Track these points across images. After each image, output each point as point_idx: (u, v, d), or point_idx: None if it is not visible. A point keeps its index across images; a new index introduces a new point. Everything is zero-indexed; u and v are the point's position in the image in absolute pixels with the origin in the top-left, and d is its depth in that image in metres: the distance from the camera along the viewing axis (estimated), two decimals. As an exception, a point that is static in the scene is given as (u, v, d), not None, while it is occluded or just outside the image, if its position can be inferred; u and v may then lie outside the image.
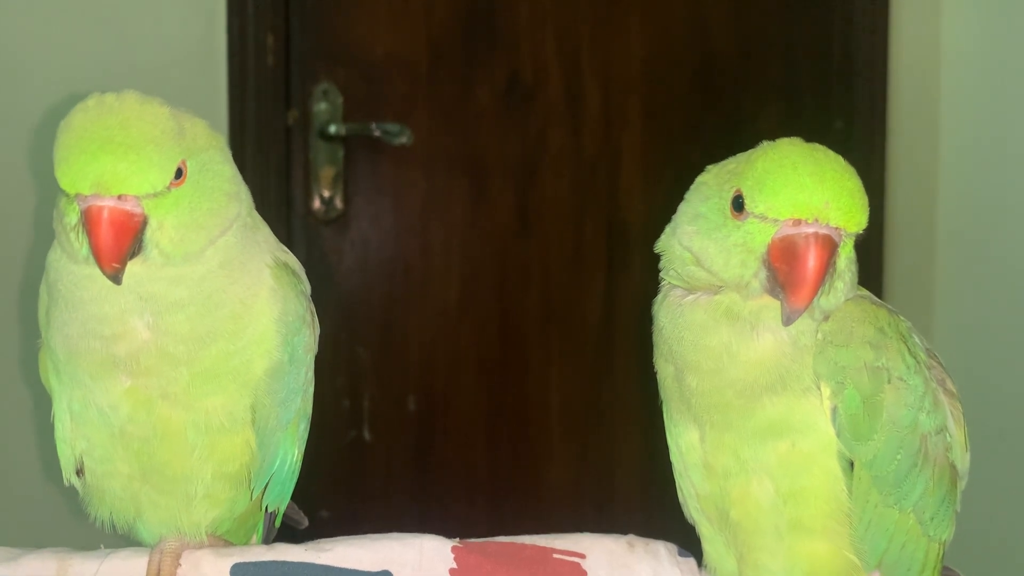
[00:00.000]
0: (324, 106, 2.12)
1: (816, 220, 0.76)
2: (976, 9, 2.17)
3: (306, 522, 1.10)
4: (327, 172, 2.12)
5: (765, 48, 2.29)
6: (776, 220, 0.78)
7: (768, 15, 2.29)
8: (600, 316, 2.27)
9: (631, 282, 2.27)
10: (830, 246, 0.77)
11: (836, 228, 0.77)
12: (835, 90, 2.28)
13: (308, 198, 2.11)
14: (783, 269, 0.77)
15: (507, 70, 2.19)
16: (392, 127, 2.11)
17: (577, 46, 2.22)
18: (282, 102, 2.08)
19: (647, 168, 2.26)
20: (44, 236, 0.89)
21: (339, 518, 2.06)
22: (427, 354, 2.20)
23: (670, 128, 2.26)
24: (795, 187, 0.77)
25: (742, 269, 0.80)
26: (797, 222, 0.77)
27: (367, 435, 2.17)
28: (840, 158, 0.80)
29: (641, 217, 2.26)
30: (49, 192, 0.84)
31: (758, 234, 0.79)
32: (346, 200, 2.12)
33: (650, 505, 2.08)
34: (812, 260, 0.76)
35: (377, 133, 2.11)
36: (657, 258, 2.59)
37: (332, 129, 2.10)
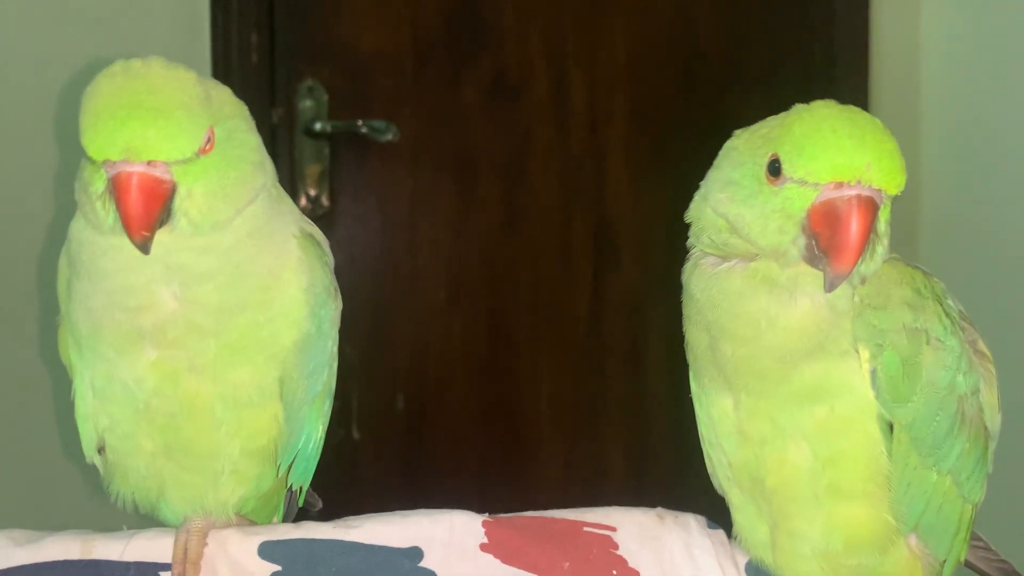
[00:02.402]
0: (309, 103, 2.10)
1: (859, 182, 0.75)
2: (955, 4, 2.20)
3: (320, 504, 1.09)
4: (313, 170, 2.10)
5: (748, 45, 2.31)
6: (816, 184, 0.76)
7: (751, 12, 2.31)
8: (588, 312, 2.27)
9: (619, 278, 2.28)
10: (872, 208, 0.75)
11: (878, 190, 0.75)
12: (817, 85, 2.30)
13: (294, 196, 2.09)
14: (825, 234, 0.75)
15: (493, 67, 2.19)
16: (378, 124, 2.10)
17: (563, 43, 2.23)
18: (267, 99, 2.06)
19: (633, 165, 2.26)
20: (59, 219, 0.87)
21: (327, 517, 2.04)
22: (415, 353, 2.19)
23: (656, 125, 2.27)
24: (835, 150, 0.75)
25: (780, 236, 0.78)
26: (839, 185, 0.75)
27: (356, 434, 2.15)
28: (877, 120, 0.79)
29: (628, 214, 2.27)
30: (70, 164, 0.82)
31: (797, 199, 0.77)
32: (332, 198, 2.11)
33: (640, 500, 2.08)
34: (856, 224, 0.74)
35: (364, 130, 2.10)
36: (645, 253, 2.56)
37: (318, 126, 2.08)
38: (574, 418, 2.27)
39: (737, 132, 0.85)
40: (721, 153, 0.85)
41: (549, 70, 2.22)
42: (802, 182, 0.77)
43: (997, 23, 2.09)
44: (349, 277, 2.13)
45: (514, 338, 2.24)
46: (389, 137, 2.11)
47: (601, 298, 2.27)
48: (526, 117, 2.21)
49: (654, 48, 2.26)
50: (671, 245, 2.37)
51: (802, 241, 0.77)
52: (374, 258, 2.16)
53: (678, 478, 2.29)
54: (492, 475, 2.22)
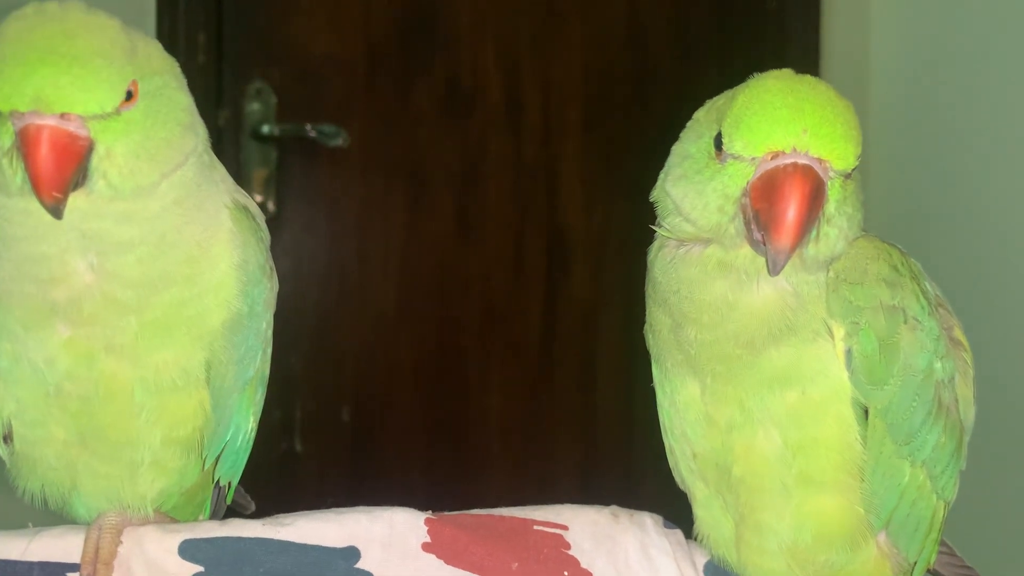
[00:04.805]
0: (257, 106, 2.05)
1: (794, 150, 0.70)
2: (902, 23, 2.22)
3: (253, 506, 1.02)
4: (259, 174, 2.05)
5: (700, 58, 2.30)
6: (753, 159, 0.71)
7: (704, 26, 2.31)
8: (540, 323, 2.23)
9: (571, 288, 2.24)
10: (811, 178, 0.69)
11: (817, 158, 0.70)
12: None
13: (239, 200, 2.02)
14: (764, 208, 0.70)
15: (447, 74, 2.16)
16: (328, 128, 2.05)
17: (517, 53, 2.20)
18: (213, 101, 2.02)
19: (586, 175, 2.24)
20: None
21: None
22: (362, 363, 2.13)
23: (608, 135, 2.25)
24: (770, 120, 0.70)
25: (719, 215, 0.73)
26: (775, 155, 0.70)
27: (299, 447, 2.08)
28: (831, 89, 0.74)
29: (581, 224, 2.24)
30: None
31: (736, 177, 0.72)
32: (279, 203, 2.06)
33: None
34: (792, 194, 0.69)
35: (312, 134, 2.05)
36: (598, 264, 2.51)
37: (265, 129, 2.03)
38: (524, 431, 2.23)
39: (707, 102, 0.80)
40: (688, 124, 0.80)
41: (503, 79, 2.19)
42: (739, 158, 0.72)
43: (945, 17, 2.12)
44: (295, 285, 2.07)
45: (464, 349, 2.19)
46: (339, 142, 2.06)
47: (553, 309, 2.23)
48: (479, 125, 2.18)
49: (607, 60, 2.25)
50: (623, 256, 2.34)
51: (739, 220, 0.72)
52: (321, 266, 2.10)
53: (628, 492, 2.25)
54: (439, 489, 2.15)
